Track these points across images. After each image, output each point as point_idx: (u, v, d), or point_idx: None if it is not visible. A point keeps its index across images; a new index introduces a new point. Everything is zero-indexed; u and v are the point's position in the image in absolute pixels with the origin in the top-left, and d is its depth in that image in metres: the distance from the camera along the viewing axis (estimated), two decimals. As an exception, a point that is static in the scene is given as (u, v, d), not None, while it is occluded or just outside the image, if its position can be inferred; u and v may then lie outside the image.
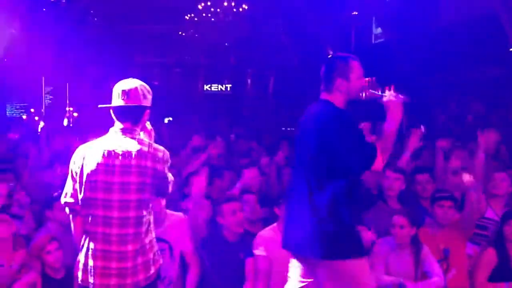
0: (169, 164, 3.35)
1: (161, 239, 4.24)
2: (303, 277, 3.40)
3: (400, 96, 3.39)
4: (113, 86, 3.40)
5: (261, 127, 14.31)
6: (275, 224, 4.56)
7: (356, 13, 15.32)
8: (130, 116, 3.33)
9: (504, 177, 5.16)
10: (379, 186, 5.47)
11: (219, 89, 21.32)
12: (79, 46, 14.61)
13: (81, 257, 3.27)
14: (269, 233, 4.52)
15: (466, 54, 10.84)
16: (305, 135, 3.36)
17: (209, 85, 21.18)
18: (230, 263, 4.40)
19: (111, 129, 3.36)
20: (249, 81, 20.96)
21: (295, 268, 3.45)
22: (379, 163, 3.26)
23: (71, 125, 15.91)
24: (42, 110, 15.56)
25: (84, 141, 3.80)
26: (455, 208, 4.79)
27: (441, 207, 4.75)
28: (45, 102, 17.29)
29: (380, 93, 3.40)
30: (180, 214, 4.59)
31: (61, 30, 14.29)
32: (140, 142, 3.29)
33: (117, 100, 3.34)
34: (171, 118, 17.61)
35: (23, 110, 15.01)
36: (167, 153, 3.35)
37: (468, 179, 4.69)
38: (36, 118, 12.45)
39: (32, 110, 14.16)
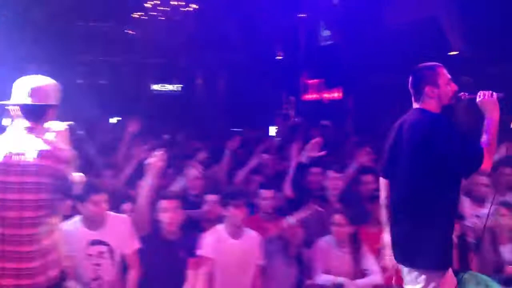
0: (72, 164, 3.26)
1: (100, 241, 4.18)
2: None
3: (495, 94, 3.32)
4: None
5: (211, 128, 14.26)
6: (221, 225, 4.55)
7: (305, 15, 15.50)
8: (35, 114, 3.21)
9: None
10: (322, 186, 5.57)
11: (169, 89, 21.11)
12: (19, 44, 14.14)
13: None
14: (215, 233, 4.51)
15: (409, 56, 11.13)
16: (405, 145, 3.33)
17: (159, 85, 20.94)
18: (170, 262, 4.36)
19: (12, 126, 3.23)
20: (199, 81, 20.84)
21: (405, 276, 3.42)
22: (487, 163, 3.22)
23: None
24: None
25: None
26: None
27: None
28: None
29: (474, 95, 3.37)
30: (123, 215, 4.52)
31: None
32: (43, 141, 3.18)
33: (23, 98, 3.21)
34: (120, 118, 17.29)
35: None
36: (70, 153, 3.26)
37: None
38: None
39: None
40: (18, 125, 3.21)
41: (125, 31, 17.96)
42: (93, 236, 4.17)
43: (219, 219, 4.66)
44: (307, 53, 16.49)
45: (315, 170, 5.72)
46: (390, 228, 3.44)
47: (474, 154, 3.19)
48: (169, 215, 4.41)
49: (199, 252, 4.41)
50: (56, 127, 3.34)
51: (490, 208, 4.00)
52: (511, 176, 5.52)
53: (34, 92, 3.20)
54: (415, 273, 3.22)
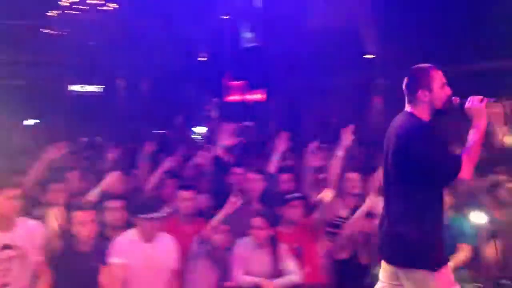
0: None
1: (9, 245, 3.97)
2: (391, 281, 3.39)
3: (485, 100, 3.25)
4: None
5: (133, 130, 13.99)
6: (133, 230, 4.44)
7: (228, 17, 15.55)
8: None
9: (355, 177, 5.43)
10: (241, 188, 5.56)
11: (89, 91, 20.52)
12: None
13: None
14: (127, 239, 4.39)
15: (328, 59, 11.44)
16: (390, 147, 3.31)
17: (78, 86, 20.30)
18: (83, 273, 4.19)
19: None
20: (121, 82, 20.40)
21: (384, 271, 3.42)
22: (466, 172, 3.18)
23: None
24: None
25: None
26: (304, 208, 4.99)
27: (292, 207, 4.92)
28: None
29: (462, 100, 3.30)
30: (35, 222, 4.31)
31: None
32: None
33: None
34: (37, 121, 16.63)
35: None
36: None
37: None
38: None
39: None
40: None
41: (41, 30, 17.27)
42: (2, 240, 3.96)
43: (127, 226, 4.54)
44: (231, 54, 16.55)
45: (238, 170, 5.72)
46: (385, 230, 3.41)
47: (451, 163, 3.19)
48: (85, 228, 4.24)
49: (110, 259, 4.28)
50: None
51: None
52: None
53: None
54: (411, 274, 3.23)
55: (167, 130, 11.26)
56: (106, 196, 5.08)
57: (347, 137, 5.42)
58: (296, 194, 5.05)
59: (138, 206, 4.51)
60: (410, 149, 3.19)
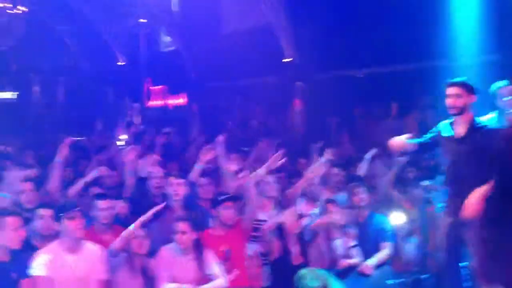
0: None
1: None
2: None
3: None
4: None
5: (49, 136, 13.49)
6: (57, 241, 4.30)
7: (145, 20, 15.33)
8: None
9: (273, 180, 5.51)
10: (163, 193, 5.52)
11: (3, 97, 19.57)
12: None
13: None
14: (50, 250, 4.24)
15: (246, 61, 11.56)
16: None
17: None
18: (1, 285, 4.02)
19: None
20: (36, 88, 19.61)
21: None
22: None
23: None
24: None
25: None
26: (236, 209, 5.03)
27: (225, 208, 4.94)
28: None
29: None
30: None
31: None
32: None
33: None
34: None
35: None
36: None
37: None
38: None
39: None
40: None
41: None
42: None
43: (55, 235, 4.40)
44: (149, 59, 16.35)
45: (158, 175, 5.68)
46: None
47: None
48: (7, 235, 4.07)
49: (32, 271, 4.12)
50: None
51: (320, 206, 4.24)
52: (339, 176, 5.95)
53: None
54: None
55: (86, 136, 10.94)
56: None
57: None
58: (228, 195, 5.07)
59: (61, 207, 4.38)
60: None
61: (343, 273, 4.84)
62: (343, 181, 5.91)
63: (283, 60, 11.84)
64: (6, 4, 14.32)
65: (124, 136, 11.15)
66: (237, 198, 5.13)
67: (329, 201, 5.23)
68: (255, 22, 11.91)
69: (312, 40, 11.10)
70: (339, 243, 5.04)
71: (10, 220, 4.14)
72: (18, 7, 14.34)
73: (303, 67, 11.57)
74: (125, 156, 5.75)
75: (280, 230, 5.06)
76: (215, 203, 5.05)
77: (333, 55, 10.80)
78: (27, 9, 14.49)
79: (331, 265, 4.91)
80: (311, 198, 5.52)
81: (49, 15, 15.16)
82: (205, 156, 5.95)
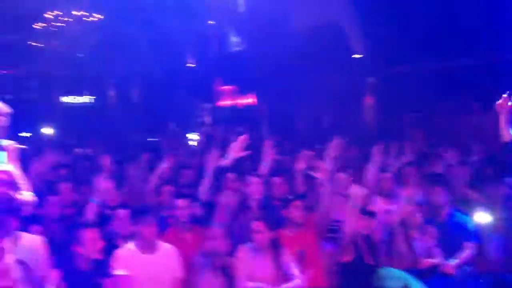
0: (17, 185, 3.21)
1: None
2: None
3: None
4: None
5: (126, 139, 13.96)
6: (133, 241, 4.44)
7: (214, 22, 15.54)
8: None
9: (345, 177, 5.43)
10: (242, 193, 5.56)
11: (81, 101, 20.46)
12: None
13: None
14: (130, 250, 4.38)
15: (315, 59, 11.46)
16: None
17: (70, 97, 20.24)
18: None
19: None
20: (112, 92, 20.36)
21: None
22: None
23: None
24: None
25: None
26: (305, 208, 4.98)
27: (295, 208, 4.92)
28: None
29: None
30: (37, 236, 4.29)
31: None
32: None
33: None
34: (30, 134, 16.54)
35: None
36: (15, 174, 3.24)
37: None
38: None
39: None
40: None
41: (28, 42, 17.22)
42: None
43: (132, 235, 4.54)
44: (219, 60, 16.55)
45: (231, 176, 5.72)
46: None
47: None
48: (90, 246, 4.25)
49: (114, 271, 4.27)
50: (6, 144, 3.30)
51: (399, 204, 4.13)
52: (414, 173, 5.80)
53: None
54: None
55: (160, 137, 11.23)
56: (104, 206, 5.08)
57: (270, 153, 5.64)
58: (297, 194, 5.06)
59: (136, 213, 4.52)
60: None
61: (424, 274, 4.71)
62: (419, 178, 5.76)
63: (352, 56, 11.65)
64: (83, 13, 15.00)
65: (194, 136, 11.35)
66: (305, 197, 5.07)
67: (406, 199, 5.10)
68: (323, 18, 11.78)
69: (382, 35, 10.86)
70: (419, 243, 4.91)
71: (88, 233, 4.33)
72: (94, 14, 14.98)
73: (373, 62, 11.34)
74: (211, 160, 5.76)
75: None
76: (285, 203, 5.05)
77: (404, 49, 10.54)
78: (102, 17, 15.11)
79: (412, 265, 4.79)
80: (387, 196, 5.41)
81: (122, 21, 15.66)
82: (273, 154, 5.98)
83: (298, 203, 4.95)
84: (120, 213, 4.87)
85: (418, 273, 4.53)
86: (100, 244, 4.36)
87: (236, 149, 5.58)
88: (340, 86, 11.61)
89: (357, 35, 11.46)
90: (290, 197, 5.03)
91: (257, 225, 4.63)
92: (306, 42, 11.81)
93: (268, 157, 6.00)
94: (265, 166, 5.91)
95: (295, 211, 4.92)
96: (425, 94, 9.74)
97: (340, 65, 11.36)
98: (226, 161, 5.57)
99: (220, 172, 5.95)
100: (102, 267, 4.31)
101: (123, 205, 5.03)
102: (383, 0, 10.68)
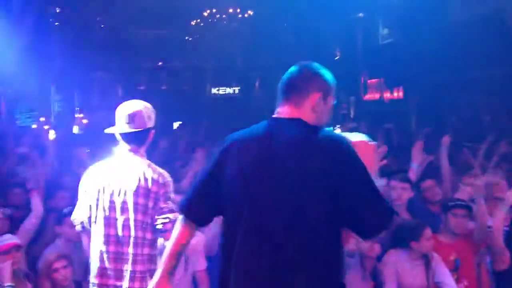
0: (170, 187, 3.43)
1: None
2: None
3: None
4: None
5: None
6: None
7: (362, 14, 15.26)
8: (136, 139, 3.44)
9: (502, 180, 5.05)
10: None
11: (227, 92, 21.30)
12: (86, 52, 14.73)
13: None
14: None
15: (473, 53, 10.72)
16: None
17: (217, 89, 21.16)
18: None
19: (117, 150, 3.48)
20: (257, 83, 20.93)
21: None
22: None
23: (81, 131, 15.96)
24: (51, 119, 15.60)
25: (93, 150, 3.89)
26: (469, 217, 4.67)
27: (454, 216, 4.63)
28: (54, 110, 17.33)
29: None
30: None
31: (68, 38, 14.43)
32: (145, 163, 3.41)
33: (122, 125, 3.41)
34: (180, 122, 17.60)
35: (33, 119, 15.03)
36: (167, 177, 3.45)
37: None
38: (46, 127, 12.44)
39: (42, 119, 14.18)
40: (122, 150, 3.45)
41: (185, 37, 18.33)
42: None
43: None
44: (366, 52, 16.23)
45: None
46: None
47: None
48: None
49: None
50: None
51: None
52: None
53: (133, 119, 3.39)
54: None
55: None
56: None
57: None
58: (458, 202, 4.76)
59: None
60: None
61: None
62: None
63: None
64: (236, 10, 15.64)
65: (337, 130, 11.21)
66: (469, 206, 4.72)
67: None
68: (482, 9, 10.94)
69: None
70: None
71: None
72: (249, 11, 15.54)
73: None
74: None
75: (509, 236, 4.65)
76: (444, 208, 4.80)
77: None
78: (252, 13, 15.62)
79: None
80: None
81: (269, 16, 16.01)
82: (420, 155, 5.74)
83: (459, 211, 4.64)
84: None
85: None
86: None
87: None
88: (500, 82, 10.74)
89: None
90: (451, 203, 4.76)
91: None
92: (465, 34, 10.97)
93: (418, 159, 5.77)
94: (414, 169, 5.69)
95: (455, 220, 4.63)
96: None
97: (502, 60, 10.46)
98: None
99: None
100: None
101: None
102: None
